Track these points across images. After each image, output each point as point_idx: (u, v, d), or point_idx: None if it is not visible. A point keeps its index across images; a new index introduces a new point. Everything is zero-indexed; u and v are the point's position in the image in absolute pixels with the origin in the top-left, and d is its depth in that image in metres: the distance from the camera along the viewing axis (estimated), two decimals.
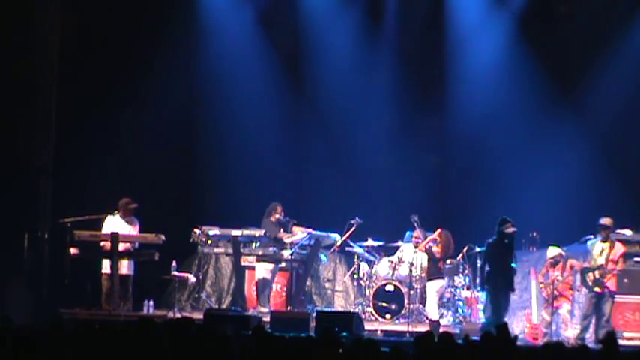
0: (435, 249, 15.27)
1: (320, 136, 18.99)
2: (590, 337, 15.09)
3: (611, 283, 15.00)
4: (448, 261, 16.47)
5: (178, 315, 15.34)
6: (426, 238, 15.46)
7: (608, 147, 18.28)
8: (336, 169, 18.78)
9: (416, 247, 15.81)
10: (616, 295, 15.23)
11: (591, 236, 15.35)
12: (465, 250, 16.77)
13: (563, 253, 15.49)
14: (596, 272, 14.96)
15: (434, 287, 15.37)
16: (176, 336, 8.64)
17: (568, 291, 15.43)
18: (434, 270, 15.47)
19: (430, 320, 15.26)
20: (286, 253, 16.31)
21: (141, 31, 18.04)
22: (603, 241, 15.09)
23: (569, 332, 15.20)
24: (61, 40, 16.72)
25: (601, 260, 15.00)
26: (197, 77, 18.76)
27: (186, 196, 18.42)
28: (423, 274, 16.01)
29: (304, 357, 8.34)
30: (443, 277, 15.62)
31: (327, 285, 18.16)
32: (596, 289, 14.98)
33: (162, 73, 17.92)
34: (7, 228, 15.89)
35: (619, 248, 15.09)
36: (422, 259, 16.02)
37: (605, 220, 15.10)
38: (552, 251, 15.59)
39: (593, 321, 15.09)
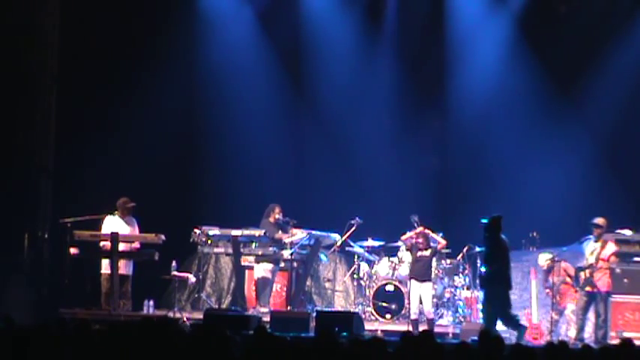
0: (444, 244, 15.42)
1: (320, 136, 18.98)
2: (590, 337, 15.12)
3: (602, 282, 15.00)
4: (448, 261, 16.50)
5: (178, 315, 15.36)
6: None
7: (609, 147, 18.29)
8: (336, 169, 18.77)
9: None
10: (616, 295, 15.23)
11: (591, 236, 15.35)
12: (465, 250, 16.78)
13: (556, 258, 15.52)
14: (587, 271, 15.04)
15: (430, 288, 15.41)
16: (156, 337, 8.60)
17: (571, 290, 15.46)
18: (431, 271, 15.50)
19: (429, 320, 15.29)
20: (286, 253, 16.31)
21: (141, 32, 18.06)
22: (596, 241, 15.14)
23: (572, 332, 15.23)
24: (61, 40, 16.71)
25: (592, 259, 15.07)
26: (197, 77, 18.76)
27: (186, 196, 18.42)
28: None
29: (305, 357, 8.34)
30: None
31: (327, 285, 18.15)
32: (587, 288, 15.05)
33: (162, 73, 17.93)
34: (7, 228, 15.88)
35: (610, 247, 15.12)
36: None
37: (599, 220, 15.16)
38: (542, 259, 15.67)
39: (592, 320, 15.12)
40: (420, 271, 15.33)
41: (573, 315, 15.37)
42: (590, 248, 15.16)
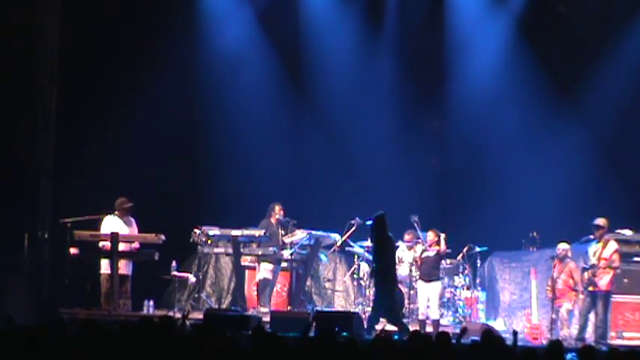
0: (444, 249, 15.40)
1: (320, 136, 18.99)
2: (590, 337, 15.13)
3: (604, 282, 15.03)
4: (448, 261, 16.51)
5: (178, 315, 15.36)
6: (419, 239, 15.60)
7: (609, 147, 18.30)
8: (336, 169, 18.78)
9: (410, 250, 15.89)
10: (616, 296, 15.28)
11: (591, 236, 15.37)
12: (465, 250, 16.78)
13: (569, 253, 15.51)
14: (590, 272, 15.09)
15: (438, 288, 15.41)
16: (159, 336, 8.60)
17: (570, 292, 15.45)
18: (438, 271, 15.50)
19: (434, 321, 15.29)
20: (286, 253, 16.31)
21: (141, 31, 18.06)
22: (598, 242, 15.18)
23: (565, 331, 15.23)
24: (61, 40, 16.71)
25: (594, 260, 15.13)
26: (197, 77, 18.77)
27: (186, 196, 18.42)
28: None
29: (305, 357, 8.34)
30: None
31: (327, 285, 18.15)
32: (590, 288, 15.12)
33: (162, 73, 17.93)
34: (7, 228, 15.87)
35: (612, 246, 15.16)
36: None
37: (599, 221, 15.21)
38: (561, 246, 15.62)
39: (593, 320, 15.14)
40: (426, 271, 15.44)
41: (567, 314, 15.38)
42: (593, 249, 15.24)
